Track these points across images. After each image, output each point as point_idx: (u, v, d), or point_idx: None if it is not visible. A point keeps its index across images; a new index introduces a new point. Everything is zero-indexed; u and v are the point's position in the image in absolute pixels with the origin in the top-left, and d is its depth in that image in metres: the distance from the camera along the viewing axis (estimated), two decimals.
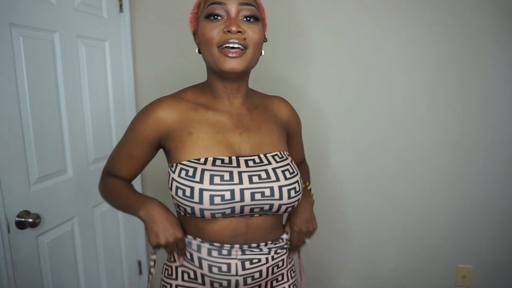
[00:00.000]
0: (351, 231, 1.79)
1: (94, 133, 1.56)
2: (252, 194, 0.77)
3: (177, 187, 0.76)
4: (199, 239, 0.83)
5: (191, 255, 0.83)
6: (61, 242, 1.39)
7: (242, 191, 0.76)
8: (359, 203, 1.76)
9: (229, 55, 0.75)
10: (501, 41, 1.51)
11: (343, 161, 1.73)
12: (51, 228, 1.34)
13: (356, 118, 1.69)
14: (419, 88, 1.61)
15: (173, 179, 0.77)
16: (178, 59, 1.82)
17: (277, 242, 0.87)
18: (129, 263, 1.87)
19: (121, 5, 1.72)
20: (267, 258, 0.84)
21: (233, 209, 0.77)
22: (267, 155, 0.83)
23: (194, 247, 0.83)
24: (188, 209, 0.76)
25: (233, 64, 0.75)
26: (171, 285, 0.87)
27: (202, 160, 0.77)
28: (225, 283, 0.82)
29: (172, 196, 0.78)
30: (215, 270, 0.81)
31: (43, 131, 1.28)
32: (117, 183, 0.88)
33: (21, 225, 1.19)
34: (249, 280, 0.83)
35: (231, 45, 0.74)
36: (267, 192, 0.78)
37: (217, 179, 0.75)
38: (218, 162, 0.78)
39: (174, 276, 0.87)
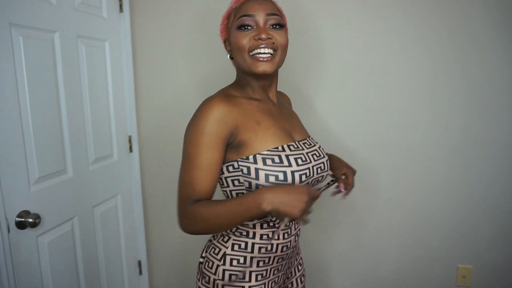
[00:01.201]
0: (352, 231, 1.79)
1: (94, 133, 1.56)
2: (317, 169, 0.93)
3: (267, 175, 0.84)
4: (281, 228, 0.89)
5: (272, 246, 0.94)
6: (61, 242, 1.39)
7: (313, 167, 0.91)
8: (360, 203, 1.76)
9: (260, 59, 0.87)
10: (504, 41, 1.51)
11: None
12: (51, 228, 1.34)
13: (357, 118, 1.69)
14: (421, 89, 1.61)
15: (258, 169, 0.84)
16: (178, 58, 1.82)
17: None
18: (129, 263, 1.87)
19: (121, 5, 1.72)
20: (299, 228, 1.01)
21: (308, 183, 0.91)
22: (310, 138, 1.01)
23: (280, 236, 0.94)
24: None
25: (264, 67, 0.87)
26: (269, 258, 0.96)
27: (280, 148, 0.87)
28: (285, 257, 0.98)
29: (259, 185, 0.84)
30: (284, 249, 0.96)
31: (43, 131, 1.28)
32: (209, 204, 0.84)
33: (21, 225, 1.19)
34: (294, 249, 1.01)
35: (262, 51, 0.87)
36: (322, 166, 0.95)
37: (300, 161, 0.88)
38: (292, 148, 0.90)
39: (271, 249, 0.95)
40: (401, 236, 1.74)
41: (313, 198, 0.82)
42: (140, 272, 1.96)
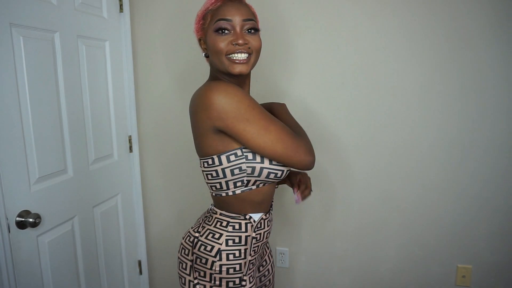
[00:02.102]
0: (350, 231, 1.79)
1: (94, 133, 1.56)
2: None
3: (270, 161, 0.94)
4: (263, 215, 1.03)
5: (260, 235, 1.03)
6: (61, 242, 1.39)
7: None
8: (358, 202, 1.76)
9: (236, 62, 0.93)
10: (498, 40, 1.51)
11: (341, 160, 1.73)
12: (51, 228, 1.34)
13: (353, 117, 1.69)
14: (416, 86, 1.61)
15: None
16: (177, 58, 1.82)
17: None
18: (129, 263, 1.87)
19: (121, 5, 1.72)
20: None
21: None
22: None
23: (263, 225, 1.04)
24: (279, 173, 0.95)
25: (241, 68, 0.93)
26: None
27: None
28: (260, 245, 1.06)
29: (263, 168, 0.93)
30: (268, 235, 1.07)
31: (43, 131, 1.29)
32: (296, 129, 1.01)
33: (21, 225, 1.19)
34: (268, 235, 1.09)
35: (238, 56, 0.93)
36: None
37: None
38: None
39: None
40: (400, 236, 1.74)
41: None
42: (140, 272, 1.97)
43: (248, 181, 0.95)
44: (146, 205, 2.00)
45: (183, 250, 1.03)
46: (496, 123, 1.57)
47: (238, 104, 0.86)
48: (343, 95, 1.68)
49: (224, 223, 1.00)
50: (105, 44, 1.63)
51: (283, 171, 0.95)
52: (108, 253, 1.69)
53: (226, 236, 0.98)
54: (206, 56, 1.02)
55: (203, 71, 1.79)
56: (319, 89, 1.70)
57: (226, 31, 0.93)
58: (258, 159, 0.92)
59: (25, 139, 1.22)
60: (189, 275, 1.01)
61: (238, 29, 0.93)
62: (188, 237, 1.03)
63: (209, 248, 0.98)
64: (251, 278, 1.02)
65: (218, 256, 0.97)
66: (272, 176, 0.94)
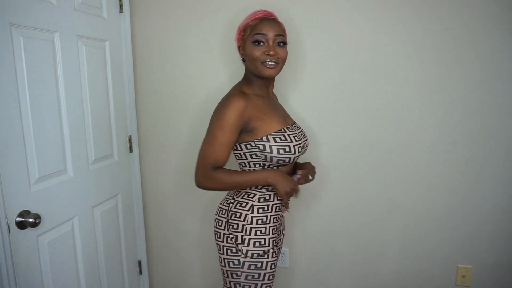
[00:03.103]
0: (350, 231, 1.79)
1: (94, 133, 1.56)
2: (304, 144, 1.26)
3: (278, 149, 1.16)
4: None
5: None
6: (61, 242, 1.39)
7: (303, 143, 1.25)
8: (359, 202, 1.76)
9: (268, 67, 1.17)
10: (502, 37, 1.51)
11: (343, 161, 1.73)
12: (51, 228, 1.34)
13: (355, 117, 1.69)
14: (419, 85, 1.61)
15: (271, 145, 1.16)
16: (178, 58, 1.82)
17: None
18: (129, 263, 1.87)
19: (121, 5, 1.72)
20: None
21: (299, 152, 1.23)
22: (296, 123, 1.34)
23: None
24: (287, 160, 1.18)
25: (270, 72, 1.18)
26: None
27: (283, 130, 1.19)
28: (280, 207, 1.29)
29: (272, 157, 1.16)
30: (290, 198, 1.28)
31: (43, 131, 1.28)
32: (228, 171, 1.17)
33: (21, 225, 1.20)
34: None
35: (269, 63, 1.17)
36: (306, 143, 1.31)
37: (296, 138, 1.21)
38: (289, 129, 1.22)
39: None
40: (401, 236, 1.74)
41: (295, 189, 1.22)
42: (140, 272, 1.97)
43: (264, 164, 1.20)
44: (146, 205, 2.00)
45: (220, 211, 1.27)
46: (498, 123, 1.57)
47: (217, 119, 1.13)
48: (342, 94, 1.68)
49: (259, 187, 1.22)
50: (105, 44, 1.63)
51: (290, 158, 1.18)
52: (108, 253, 1.69)
53: (259, 195, 1.23)
54: (243, 60, 1.25)
55: (202, 71, 1.79)
56: (317, 88, 1.70)
57: (261, 43, 1.17)
58: (268, 149, 1.16)
59: (25, 139, 1.22)
60: (224, 229, 1.24)
61: (271, 42, 1.17)
62: (226, 201, 1.28)
63: (244, 204, 1.22)
64: (273, 230, 1.24)
65: (250, 210, 1.21)
66: (281, 162, 1.18)
